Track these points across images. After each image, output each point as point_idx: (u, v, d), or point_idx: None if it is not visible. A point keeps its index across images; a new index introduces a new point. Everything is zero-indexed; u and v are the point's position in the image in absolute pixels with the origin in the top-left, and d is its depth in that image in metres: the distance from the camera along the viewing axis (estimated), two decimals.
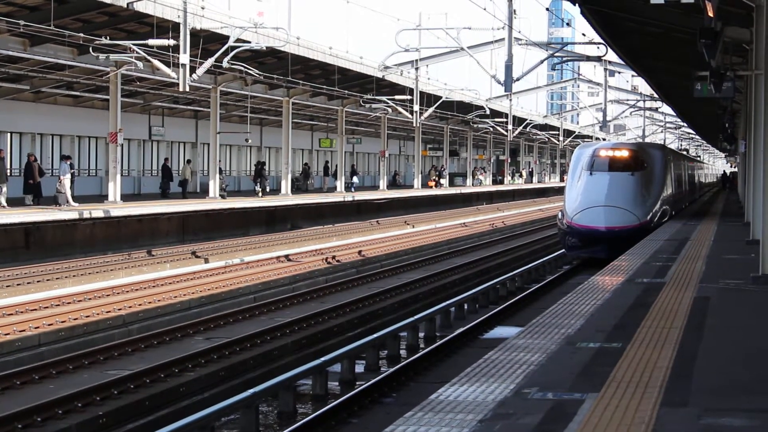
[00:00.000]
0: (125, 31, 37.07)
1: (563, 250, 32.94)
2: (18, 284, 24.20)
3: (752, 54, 23.36)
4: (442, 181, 78.42)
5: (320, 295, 25.14)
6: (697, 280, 17.57)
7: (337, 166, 63.10)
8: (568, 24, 61.75)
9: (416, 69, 58.35)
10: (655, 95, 69.85)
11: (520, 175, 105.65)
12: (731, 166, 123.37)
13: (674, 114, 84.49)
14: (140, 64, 35.37)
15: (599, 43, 44.56)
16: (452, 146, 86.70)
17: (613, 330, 12.31)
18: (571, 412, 8.28)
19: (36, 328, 19.04)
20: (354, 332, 20.62)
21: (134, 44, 34.26)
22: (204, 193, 48.24)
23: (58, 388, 14.64)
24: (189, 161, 54.47)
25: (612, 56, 49.80)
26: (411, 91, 58.39)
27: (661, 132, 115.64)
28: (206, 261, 30.82)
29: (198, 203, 41.35)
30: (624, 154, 32.49)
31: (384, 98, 56.94)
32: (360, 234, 43.15)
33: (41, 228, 31.23)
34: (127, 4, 32.13)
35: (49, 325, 19.34)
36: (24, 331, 18.74)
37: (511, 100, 74.71)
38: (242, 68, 39.37)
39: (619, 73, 76.26)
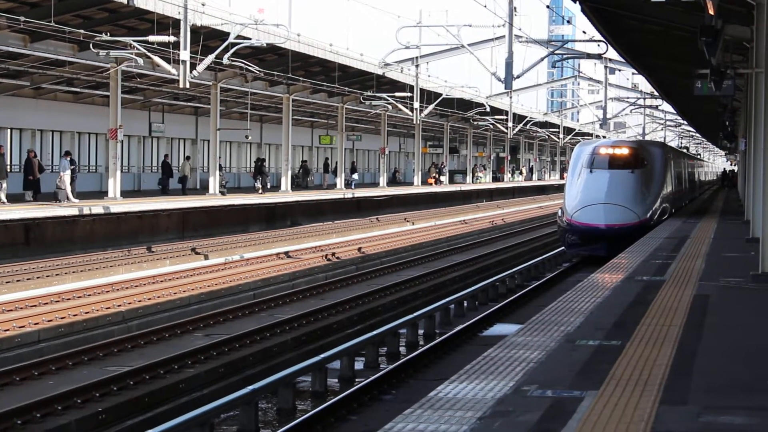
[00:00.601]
0: (126, 27, 37.07)
1: (563, 247, 32.93)
2: (18, 280, 24.20)
3: (753, 52, 23.35)
4: (442, 178, 78.41)
5: (320, 292, 25.14)
6: (696, 278, 17.57)
7: (337, 163, 63.09)
8: (568, 21, 61.75)
9: (416, 66, 58.36)
10: (656, 93, 69.83)
11: (520, 173, 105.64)
12: (731, 164, 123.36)
13: (674, 112, 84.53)
14: (140, 61, 35.37)
15: (600, 41, 44.49)
16: (452, 143, 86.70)
17: (613, 328, 12.31)
18: (571, 410, 8.28)
19: (35, 324, 19.04)
20: (353, 329, 20.61)
21: (135, 41, 34.27)
22: (204, 189, 48.25)
23: (58, 385, 14.63)
24: (188, 158, 54.49)
25: (612, 54, 49.76)
26: (411, 89, 58.41)
27: (661, 130, 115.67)
28: (206, 257, 30.81)
29: (198, 200, 41.35)
30: (624, 151, 32.49)
31: (384, 95, 56.96)
32: (360, 231, 43.14)
33: (41, 224, 31.23)
34: (128, 1, 32.12)
35: (48, 321, 19.34)
36: (23, 327, 18.74)
37: (511, 97, 74.75)
38: (242, 65, 39.38)
39: (620, 70, 76.18)
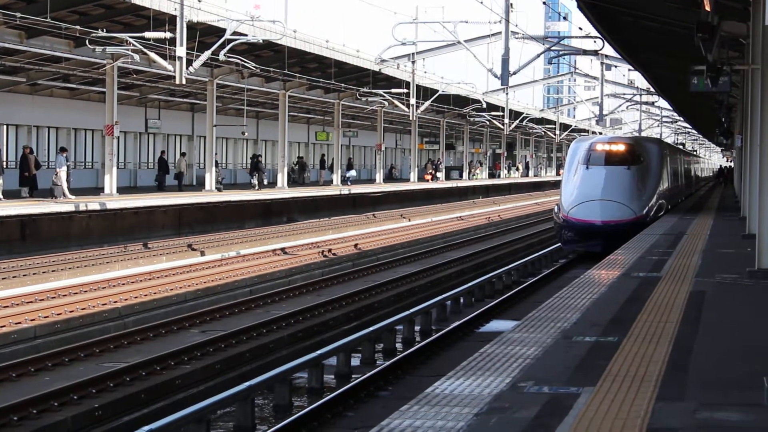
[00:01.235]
0: (122, 23, 37.06)
1: (559, 243, 32.94)
2: (14, 276, 24.18)
3: (749, 48, 23.37)
4: (438, 174, 78.41)
5: (316, 288, 25.12)
6: (693, 275, 17.58)
7: (333, 159, 63.10)
8: (564, 18, 61.84)
9: (413, 62, 58.37)
10: (652, 89, 69.88)
11: (517, 169, 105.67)
12: (727, 161, 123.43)
13: (671, 108, 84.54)
14: (137, 57, 35.33)
15: (596, 37, 44.49)
16: (449, 140, 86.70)
17: (609, 324, 12.32)
18: (567, 406, 8.28)
19: (32, 320, 19.03)
20: (350, 325, 20.61)
21: (131, 37, 34.25)
22: (200, 185, 48.24)
23: (54, 381, 14.62)
24: (184, 154, 54.44)
25: (609, 50, 49.76)
26: (407, 85, 58.42)
27: (658, 126, 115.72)
28: (202, 254, 30.80)
29: (194, 196, 41.33)
30: (620, 148, 32.48)
31: (380, 92, 56.98)
32: (356, 227, 43.14)
33: (37, 220, 31.21)
34: None
35: (45, 317, 19.33)
36: (20, 323, 18.73)
37: (507, 93, 74.81)
38: (239, 61, 39.38)
39: (616, 67, 76.16)
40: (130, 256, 29.40)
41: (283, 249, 32.77)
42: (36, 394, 13.32)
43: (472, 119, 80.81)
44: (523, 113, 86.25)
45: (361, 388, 14.66)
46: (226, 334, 17.98)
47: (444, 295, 22.56)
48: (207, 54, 36.62)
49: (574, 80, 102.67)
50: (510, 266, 28.51)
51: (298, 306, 21.50)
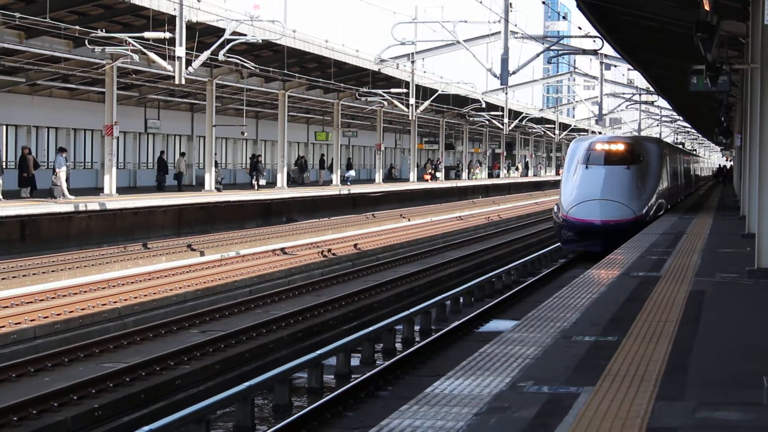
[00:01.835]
0: (121, 23, 37.06)
1: (559, 243, 32.94)
2: (13, 277, 24.18)
3: (748, 48, 23.36)
4: (438, 174, 78.39)
5: (316, 288, 25.12)
6: (692, 274, 17.58)
7: (332, 159, 63.10)
8: (564, 17, 61.84)
9: (412, 62, 58.38)
10: (651, 89, 69.86)
11: (516, 169, 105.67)
12: (727, 160, 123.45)
13: (670, 108, 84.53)
14: (136, 57, 35.32)
15: (595, 37, 44.50)
16: (448, 140, 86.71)
17: (609, 323, 12.32)
18: (567, 406, 8.28)
19: (31, 320, 19.03)
20: (349, 325, 20.60)
21: (130, 37, 34.24)
22: (200, 186, 48.23)
23: (54, 381, 14.62)
24: (183, 154, 54.43)
25: (608, 50, 49.77)
26: (407, 85, 58.43)
27: (657, 126, 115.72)
28: (202, 254, 30.80)
29: (194, 196, 41.33)
30: (620, 147, 32.48)
31: (380, 91, 56.98)
32: (356, 227, 43.13)
33: (37, 221, 31.21)
34: None
35: (44, 317, 19.33)
36: (19, 323, 18.73)
37: (507, 93, 74.80)
38: (238, 61, 39.37)
39: (615, 66, 76.18)
40: (129, 256, 29.39)
41: (282, 249, 32.76)
42: (36, 394, 13.32)
43: (471, 119, 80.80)
44: (522, 113, 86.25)
45: (361, 388, 14.66)
46: (225, 334, 17.98)
47: (444, 295, 22.56)
48: (206, 54, 36.61)
49: (574, 80, 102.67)
50: (509, 266, 28.51)
51: (297, 306, 21.50)
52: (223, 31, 36.73)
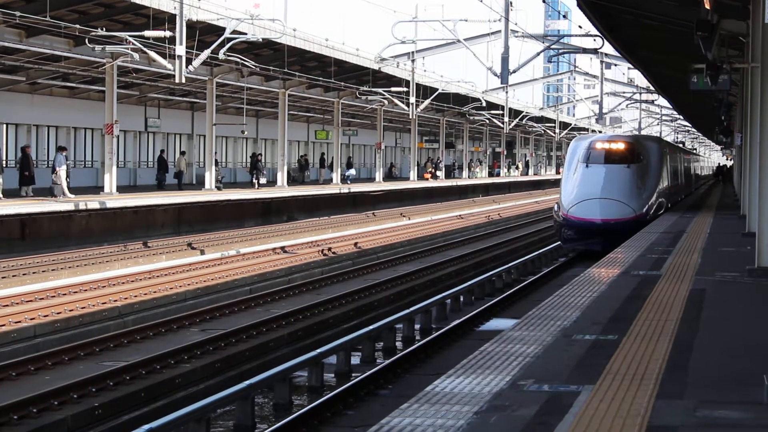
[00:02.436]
0: (121, 22, 37.05)
1: (559, 242, 32.94)
2: (14, 275, 24.18)
3: (748, 47, 23.34)
4: (438, 173, 78.38)
5: (316, 286, 25.13)
6: (692, 273, 17.58)
7: (333, 158, 63.11)
8: (564, 16, 61.71)
9: (412, 61, 58.38)
10: (652, 88, 69.86)
11: (516, 168, 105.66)
12: (727, 159, 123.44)
13: (670, 107, 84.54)
14: (136, 56, 35.33)
15: (595, 36, 44.52)
16: (448, 138, 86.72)
17: (609, 322, 12.32)
18: (567, 405, 8.28)
19: (31, 319, 19.03)
20: (350, 324, 20.61)
21: (130, 35, 34.24)
22: (200, 184, 48.23)
23: (54, 380, 14.63)
24: (183, 153, 54.44)
25: (608, 49, 49.76)
26: (407, 83, 58.42)
27: (657, 124, 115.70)
28: (202, 252, 30.81)
29: (194, 195, 41.33)
30: (620, 146, 32.47)
31: (380, 90, 56.96)
32: (356, 226, 43.14)
33: (37, 219, 31.21)
34: None
35: (44, 316, 19.33)
36: (19, 322, 18.73)
37: (507, 92, 74.78)
38: (238, 60, 39.36)
39: (616, 65, 76.17)
40: (129, 254, 29.40)
41: (282, 248, 32.76)
42: (36, 393, 13.32)
43: (471, 118, 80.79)
44: (522, 112, 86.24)
45: (361, 387, 14.66)
46: (226, 332, 17.98)
47: (444, 294, 22.56)
48: (206, 53, 36.60)
49: (574, 79, 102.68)
50: (510, 265, 28.51)
51: (297, 305, 21.50)
52: (223, 29, 36.72)
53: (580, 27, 52.20)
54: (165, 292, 23.14)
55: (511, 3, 47.27)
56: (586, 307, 13.56)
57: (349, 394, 14.23)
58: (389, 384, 15.33)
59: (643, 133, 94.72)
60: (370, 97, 58.82)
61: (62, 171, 35.94)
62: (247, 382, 13.49)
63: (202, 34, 37.09)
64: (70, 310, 20.04)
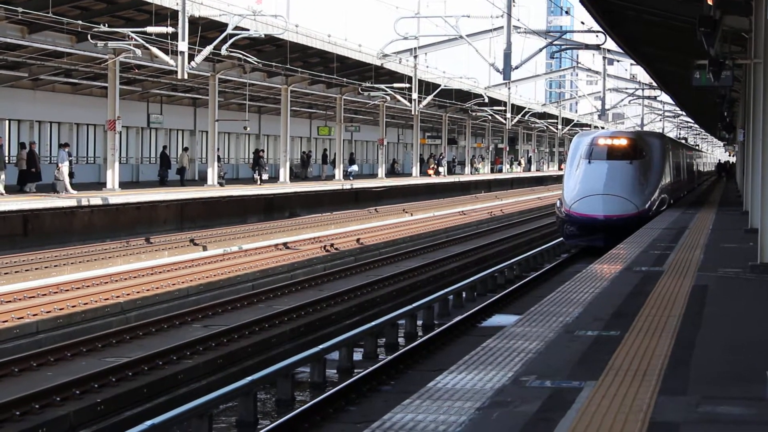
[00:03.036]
0: (124, 18, 37.03)
1: (561, 238, 32.93)
2: (16, 271, 24.20)
3: (751, 43, 23.32)
4: (440, 169, 78.34)
5: (318, 283, 25.14)
6: (695, 269, 17.57)
7: (335, 154, 63.08)
8: (567, 12, 61.77)
9: (415, 57, 58.33)
10: (654, 84, 69.79)
11: (519, 164, 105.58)
12: (730, 155, 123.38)
13: (673, 103, 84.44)
14: (139, 52, 35.32)
15: (598, 32, 44.52)
16: (451, 134, 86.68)
17: (612, 318, 12.31)
18: (570, 400, 8.28)
19: (34, 315, 19.04)
20: (352, 320, 20.62)
21: (133, 32, 34.23)
22: (202, 180, 48.22)
23: (56, 376, 14.64)
24: (186, 149, 54.45)
25: (611, 45, 49.74)
26: (409, 79, 58.37)
27: (660, 121, 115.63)
28: (204, 248, 30.81)
29: (196, 191, 41.33)
30: (622, 142, 32.47)
31: (382, 86, 56.92)
32: (358, 222, 43.14)
33: (39, 215, 31.22)
34: None
35: (47, 312, 19.34)
36: (22, 318, 18.75)
37: (509, 88, 74.72)
38: (241, 56, 39.34)
39: (618, 61, 76.15)
40: (132, 251, 29.40)
41: (285, 244, 32.76)
42: (38, 389, 13.33)
43: (474, 114, 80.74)
44: (525, 108, 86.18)
45: (364, 383, 14.67)
46: (228, 328, 18.00)
47: (446, 290, 22.56)
48: (209, 49, 36.58)
49: (576, 75, 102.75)
50: (512, 261, 28.52)
51: (300, 301, 21.51)
52: (225, 25, 36.71)
53: (582, 23, 52.15)
54: (167, 288, 23.15)
55: None
56: (588, 303, 13.55)
57: (351, 390, 14.23)
58: (391, 380, 15.33)
59: (645, 129, 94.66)
60: (372, 93, 58.79)
61: (65, 167, 35.94)
62: (249, 378, 13.50)
63: (205, 30, 37.08)
64: (73, 306, 20.06)
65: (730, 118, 51.51)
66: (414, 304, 20.29)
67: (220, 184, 45.45)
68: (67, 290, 21.90)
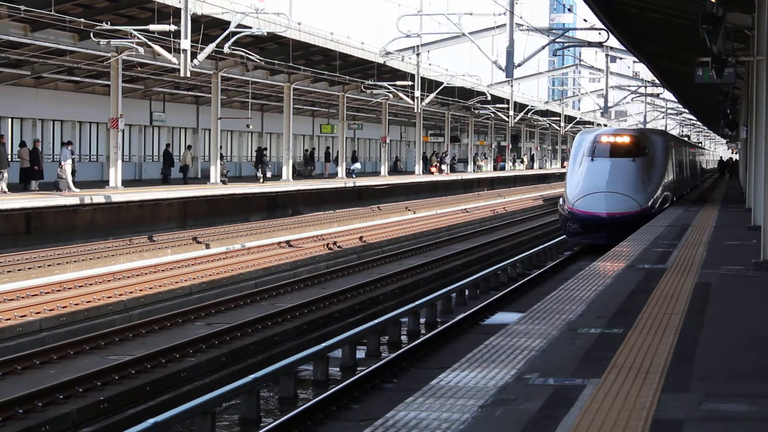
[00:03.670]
0: (126, 16, 37.04)
1: (564, 236, 32.92)
2: (19, 269, 24.21)
3: (754, 40, 23.32)
4: (443, 167, 78.32)
5: (321, 280, 25.14)
6: (698, 266, 17.56)
7: (338, 152, 63.08)
8: (569, 9, 61.75)
9: (417, 55, 58.31)
10: (657, 81, 69.78)
11: (522, 161, 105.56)
12: (732, 152, 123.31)
13: (675, 100, 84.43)
14: (141, 50, 35.34)
15: (601, 29, 44.41)
16: (453, 132, 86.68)
17: (614, 316, 12.31)
18: (573, 398, 8.28)
19: (37, 313, 19.05)
20: (355, 318, 20.62)
21: (135, 30, 34.24)
22: (205, 178, 48.25)
23: (59, 374, 14.64)
24: (189, 147, 54.46)
25: (613, 42, 49.68)
26: (412, 77, 58.36)
27: (663, 118, 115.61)
28: (207, 246, 30.82)
29: (199, 189, 41.34)
30: (625, 140, 32.45)
31: (385, 84, 56.92)
32: (361, 220, 43.14)
33: (42, 213, 31.23)
34: None
35: (50, 310, 19.35)
36: (25, 316, 18.76)
37: (512, 86, 74.68)
38: (243, 54, 39.35)
39: (621, 59, 76.07)
40: (135, 249, 29.42)
41: (288, 242, 32.77)
42: (41, 386, 13.34)
43: (476, 111, 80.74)
44: (527, 105, 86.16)
45: (367, 381, 14.66)
46: (231, 326, 17.99)
47: (449, 288, 22.55)
48: (211, 47, 36.58)
49: (579, 72, 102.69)
50: (515, 258, 28.51)
51: (303, 298, 21.51)
52: (228, 23, 36.71)
53: (585, 20, 52.13)
54: (170, 286, 23.16)
55: None
56: (591, 300, 13.55)
57: (354, 388, 14.23)
58: (394, 378, 15.33)
59: (648, 126, 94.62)
60: (375, 91, 58.79)
61: (67, 165, 35.95)
62: (252, 376, 13.50)
63: (207, 28, 37.09)
64: (76, 304, 20.07)
65: (732, 115, 51.41)
66: (417, 302, 20.29)
67: (223, 182, 45.45)
68: (70, 288, 21.91)
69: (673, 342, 10.62)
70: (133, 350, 16.35)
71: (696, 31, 19.55)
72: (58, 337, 17.98)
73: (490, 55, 52.18)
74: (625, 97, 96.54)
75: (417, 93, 58.45)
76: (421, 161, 72.87)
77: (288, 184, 49.59)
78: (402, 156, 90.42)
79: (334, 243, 32.92)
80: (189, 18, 34.32)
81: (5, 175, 34.85)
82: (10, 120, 46.43)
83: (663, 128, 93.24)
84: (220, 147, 47.48)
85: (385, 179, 61.74)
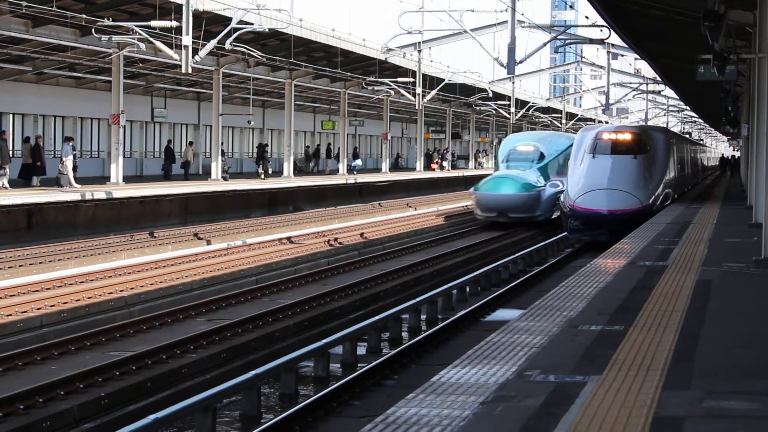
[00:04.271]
0: (128, 12, 37.04)
1: (565, 233, 32.92)
2: (20, 265, 24.20)
3: (755, 37, 23.32)
4: (444, 163, 78.28)
5: (322, 277, 25.13)
6: (699, 264, 17.55)
7: (339, 148, 63.09)
8: (571, 6, 61.79)
9: (419, 51, 58.30)
10: (658, 78, 69.76)
11: None
12: (734, 150, 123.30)
13: (677, 97, 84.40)
14: (143, 46, 35.32)
15: (602, 26, 44.47)
16: (455, 129, 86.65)
17: (615, 313, 12.30)
18: (573, 395, 8.27)
19: (38, 309, 19.05)
20: (356, 314, 20.61)
21: (137, 26, 34.23)
22: (206, 174, 48.25)
23: (60, 369, 14.64)
24: (191, 143, 54.47)
25: (615, 39, 49.70)
26: (413, 74, 58.36)
27: (664, 115, 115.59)
28: (208, 243, 30.82)
29: (200, 185, 41.34)
30: (626, 137, 32.45)
31: (386, 80, 56.92)
32: (362, 216, 43.13)
33: (43, 209, 31.24)
34: None
35: (51, 306, 19.35)
36: (26, 312, 18.75)
37: (513, 82, 74.67)
38: (245, 50, 39.35)
39: (622, 56, 76.19)
40: (136, 245, 29.42)
41: (289, 238, 32.77)
42: (42, 382, 13.33)
43: (478, 108, 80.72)
44: (529, 102, 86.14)
45: (367, 377, 14.67)
46: (232, 322, 17.99)
47: (450, 284, 22.55)
48: (213, 43, 36.58)
49: (581, 69, 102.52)
50: (516, 255, 28.51)
51: (304, 295, 21.51)
52: (229, 19, 36.71)
53: (586, 17, 52.16)
54: (171, 282, 23.16)
55: None
56: (592, 297, 13.55)
57: (355, 385, 14.23)
58: (395, 374, 15.33)
59: (649, 123, 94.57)
60: (376, 88, 58.79)
61: (69, 161, 35.96)
62: (253, 372, 13.50)
63: (209, 24, 37.08)
64: (77, 300, 20.06)
65: (734, 112, 51.41)
66: (418, 299, 20.28)
67: (224, 179, 45.46)
68: (71, 284, 21.91)
69: (673, 339, 10.62)
70: (134, 346, 16.34)
71: (697, 28, 19.55)
72: (59, 333, 17.97)
73: (491, 52, 52.20)
74: (626, 95, 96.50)
75: (418, 90, 58.45)
76: (422, 158, 72.87)
77: (289, 180, 49.60)
78: (403, 153, 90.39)
79: (335, 239, 32.91)
80: (191, 14, 34.31)
81: (7, 171, 34.85)
82: (11, 116, 46.42)
83: (664, 125, 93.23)
84: (222, 143, 47.46)
85: (386, 176, 61.74)
